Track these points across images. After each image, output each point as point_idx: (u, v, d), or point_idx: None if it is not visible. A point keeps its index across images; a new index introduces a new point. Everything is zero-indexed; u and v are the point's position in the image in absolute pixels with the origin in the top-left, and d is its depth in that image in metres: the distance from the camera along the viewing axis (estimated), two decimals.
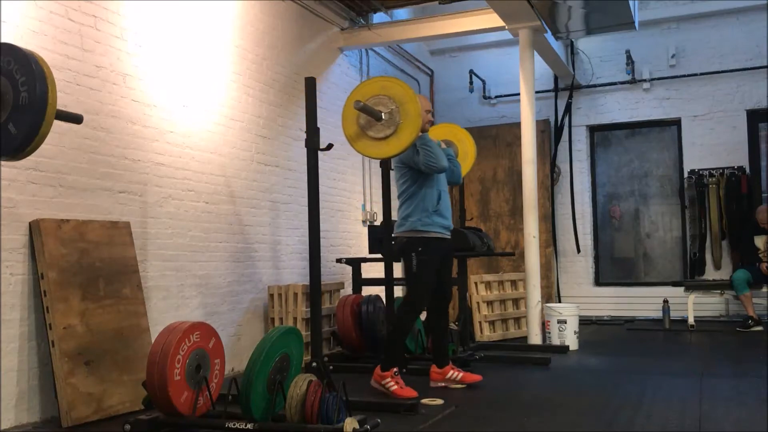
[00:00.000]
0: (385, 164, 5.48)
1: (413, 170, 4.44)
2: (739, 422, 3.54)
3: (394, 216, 5.60)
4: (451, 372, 4.58)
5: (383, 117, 4.05)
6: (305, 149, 3.95)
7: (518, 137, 6.99)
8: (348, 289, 6.60)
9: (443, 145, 4.75)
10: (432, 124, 4.68)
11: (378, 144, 4.11)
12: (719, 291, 7.47)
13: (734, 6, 8.31)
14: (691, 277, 8.42)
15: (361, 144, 4.18)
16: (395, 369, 4.27)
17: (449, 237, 4.58)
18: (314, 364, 3.63)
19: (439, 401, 4.16)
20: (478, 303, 6.89)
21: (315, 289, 3.92)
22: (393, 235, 4.61)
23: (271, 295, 5.81)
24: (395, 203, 4.76)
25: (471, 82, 9.37)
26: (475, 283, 6.93)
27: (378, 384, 4.28)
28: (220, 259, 5.38)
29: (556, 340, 6.21)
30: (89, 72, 4.28)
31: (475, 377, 4.61)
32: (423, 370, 4.80)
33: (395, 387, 4.17)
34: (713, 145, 8.47)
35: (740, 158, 8.33)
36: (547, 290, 8.53)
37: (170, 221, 4.89)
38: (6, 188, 3.73)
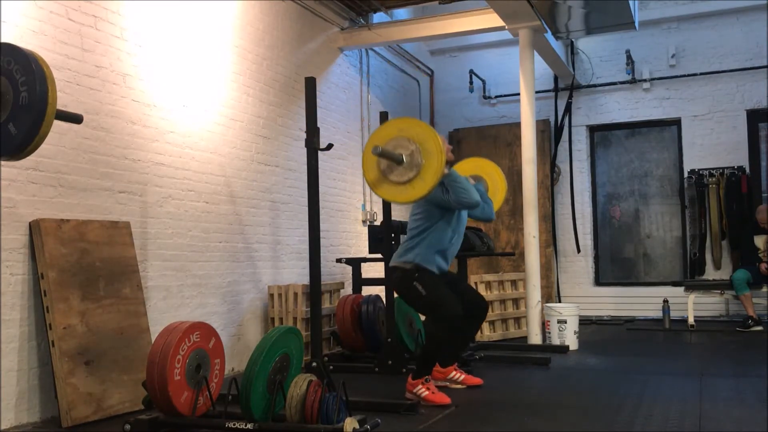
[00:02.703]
0: None
1: (435, 208, 4.27)
2: (739, 422, 3.54)
3: (395, 216, 5.62)
4: (454, 372, 4.58)
5: (404, 159, 3.87)
6: (305, 149, 3.95)
7: (518, 137, 6.99)
8: (348, 289, 6.60)
9: (471, 181, 4.49)
10: (451, 161, 4.41)
11: (403, 188, 3.89)
12: (719, 291, 7.47)
13: (734, 6, 8.31)
14: (691, 277, 8.42)
15: (384, 190, 3.97)
16: (426, 376, 4.19)
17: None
18: (314, 364, 3.63)
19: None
20: None
21: (315, 289, 3.91)
22: (390, 264, 4.43)
23: (271, 295, 5.81)
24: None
25: (471, 82, 9.37)
26: (475, 283, 6.92)
27: (411, 393, 4.17)
28: (220, 259, 5.38)
29: (556, 340, 6.21)
30: (89, 72, 4.28)
31: (477, 381, 4.61)
32: None
33: (426, 393, 4.10)
34: (713, 145, 8.47)
35: (740, 158, 8.33)
36: (547, 290, 8.52)
37: (170, 221, 4.89)
38: (6, 188, 3.73)
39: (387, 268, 5.40)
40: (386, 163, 3.92)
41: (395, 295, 4.94)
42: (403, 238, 4.65)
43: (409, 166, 3.87)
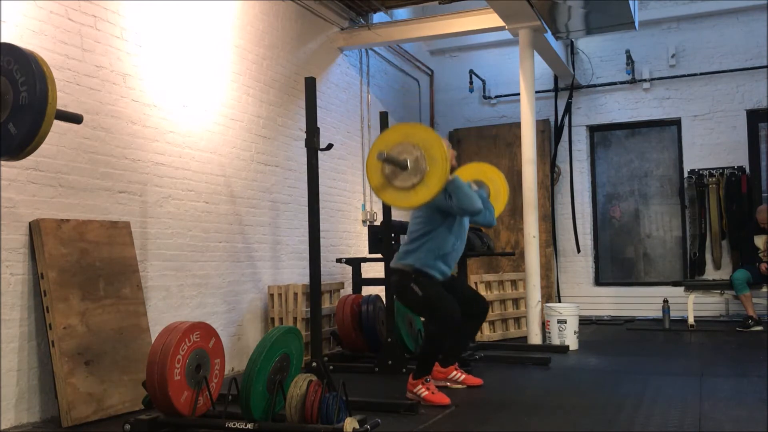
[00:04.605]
0: None
1: (437, 213, 4.25)
2: (739, 422, 3.54)
3: (395, 216, 5.62)
4: (454, 372, 4.58)
5: (408, 165, 3.87)
6: (305, 149, 3.94)
7: (518, 137, 6.99)
8: (348, 289, 6.60)
9: (474, 186, 4.51)
10: (455, 168, 4.43)
11: (406, 193, 3.90)
12: (719, 291, 7.47)
13: (734, 6, 8.31)
14: (691, 277, 8.42)
15: (388, 194, 3.98)
16: (426, 376, 4.18)
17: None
18: (314, 364, 3.63)
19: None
20: None
21: (315, 289, 3.91)
22: (391, 266, 4.44)
23: (271, 295, 5.81)
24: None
25: (471, 82, 9.37)
26: (475, 283, 6.92)
27: (411, 393, 4.17)
28: (220, 259, 5.38)
29: (556, 340, 6.21)
30: (89, 72, 4.28)
31: (477, 381, 4.61)
32: None
33: (426, 393, 4.10)
34: (713, 145, 8.47)
35: (740, 158, 8.33)
36: (547, 290, 8.52)
37: (170, 221, 4.89)
38: (6, 188, 3.73)
39: (387, 269, 5.41)
40: (391, 168, 3.93)
41: (394, 298, 4.94)
42: (403, 238, 4.65)
43: (414, 172, 3.87)
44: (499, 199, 5.00)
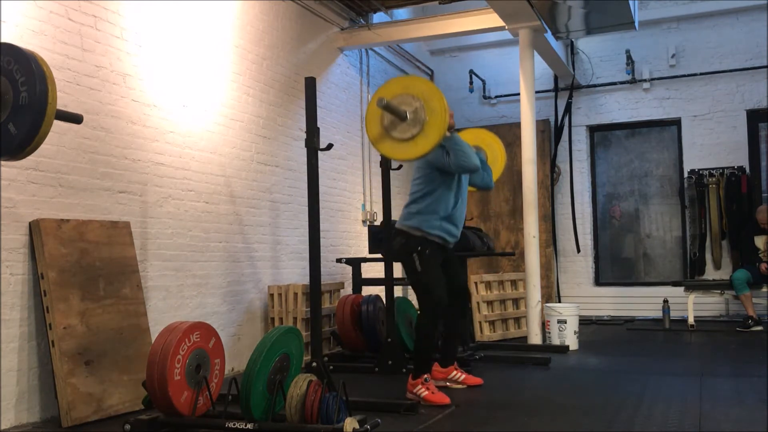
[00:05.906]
0: (385, 164, 5.48)
1: (435, 172, 4.22)
2: (738, 422, 3.54)
3: (395, 216, 5.61)
4: (454, 372, 4.58)
5: (408, 116, 3.83)
6: (305, 149, 3.94)
7: (518, 137, 6.99)
8: (348, 289, 6.60)
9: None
10: (452, 127, 4.38)
11: (405, 145, 3.84)
12: (719, 291, 7.47)
13: (734, 6, 8.31)
14: (691, 277, 8.42)
15: (386, 146, 3.92)
16: (425, 375, 4.16)
17: (451, 245, 4.41)
18: (314, 364, 3.63)
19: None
20: (478, 303, 6.88)
21: (315, 289, 3.91)
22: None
23: (271, 295, 5.81)
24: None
25: (471, 82, 9.37)
26: (475, 283, 6.92)
27: (411, 393, 4.16)
28: (220, 259, 5.38)
29: (556, 340, 6.21)
30: (89, 72, 4.28)
31: (477, 380, 4.61)
32: None
33: (426, 393, 4.10)
34: (713, 145, 8.47)
35: (740, 158, 8.33)
36: (547, 290, 8.52)
37: (170, 221, 4.89)
38: (6, 188, 3.73)
39: (387, 269, 5.42)
40: (389, 120, 3.87)
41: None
42: None
43: (413, 123, 3.82)
44: (497, 164, 5.02)
